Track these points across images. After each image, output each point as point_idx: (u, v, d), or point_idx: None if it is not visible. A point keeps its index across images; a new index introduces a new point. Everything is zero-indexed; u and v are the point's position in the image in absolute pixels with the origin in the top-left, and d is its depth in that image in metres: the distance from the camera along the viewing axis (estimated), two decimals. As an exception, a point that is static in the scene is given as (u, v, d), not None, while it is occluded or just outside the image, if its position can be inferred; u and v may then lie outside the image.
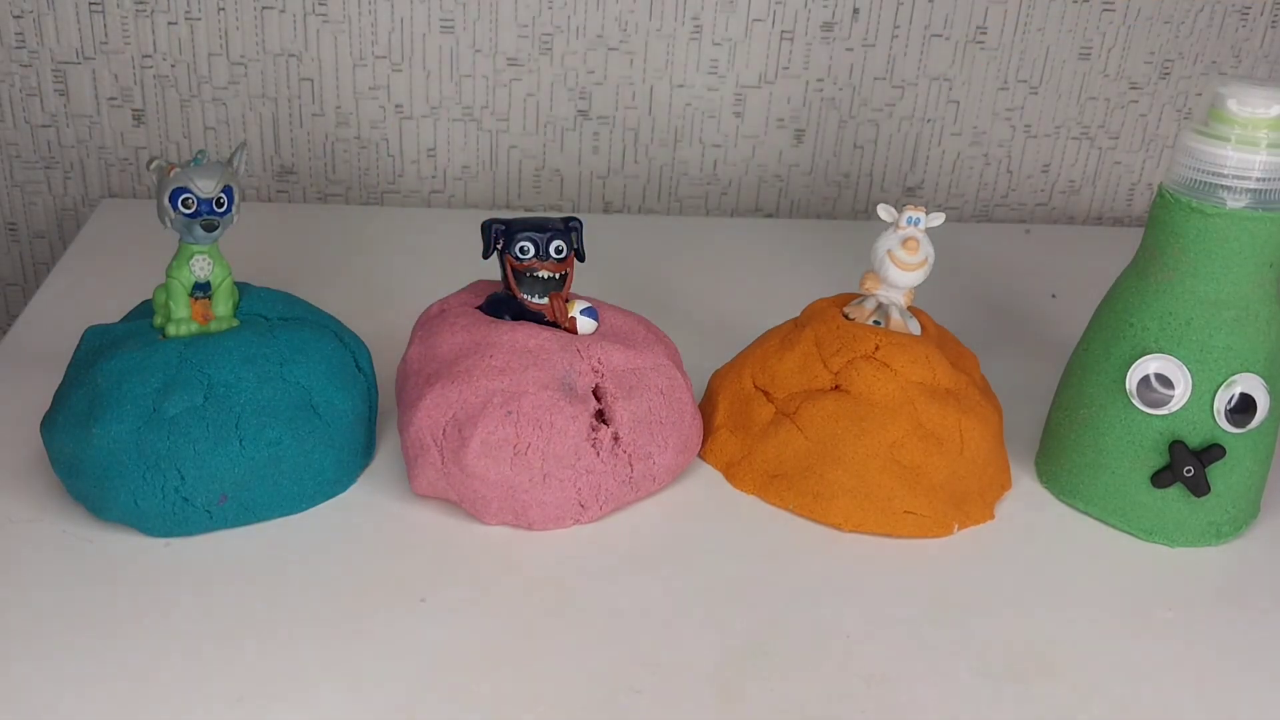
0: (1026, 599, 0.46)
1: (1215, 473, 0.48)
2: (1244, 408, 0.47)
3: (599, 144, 0.81)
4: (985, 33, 0.80)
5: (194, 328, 0.48)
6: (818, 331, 0.52)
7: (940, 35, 0.80)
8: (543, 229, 0.49)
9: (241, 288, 0.50)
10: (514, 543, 0.48)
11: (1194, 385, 0.47)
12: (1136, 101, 0.83)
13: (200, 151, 0.48)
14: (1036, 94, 0.82)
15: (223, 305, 0.49)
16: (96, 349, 0.48)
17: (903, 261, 0.50)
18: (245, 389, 0.47)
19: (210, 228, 0.47)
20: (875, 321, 0.52)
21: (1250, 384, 0.47)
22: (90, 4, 0.74)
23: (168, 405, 0.45)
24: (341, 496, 0.50)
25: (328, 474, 0.49)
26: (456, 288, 0.54)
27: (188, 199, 0.46)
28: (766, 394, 0.53)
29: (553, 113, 0.80)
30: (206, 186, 0.46)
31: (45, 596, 0.43)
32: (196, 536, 0.47)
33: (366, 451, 0.52)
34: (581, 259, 0.51)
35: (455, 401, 0.47)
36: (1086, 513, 0.51)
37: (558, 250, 0.49)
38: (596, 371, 0.49)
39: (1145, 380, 0.48)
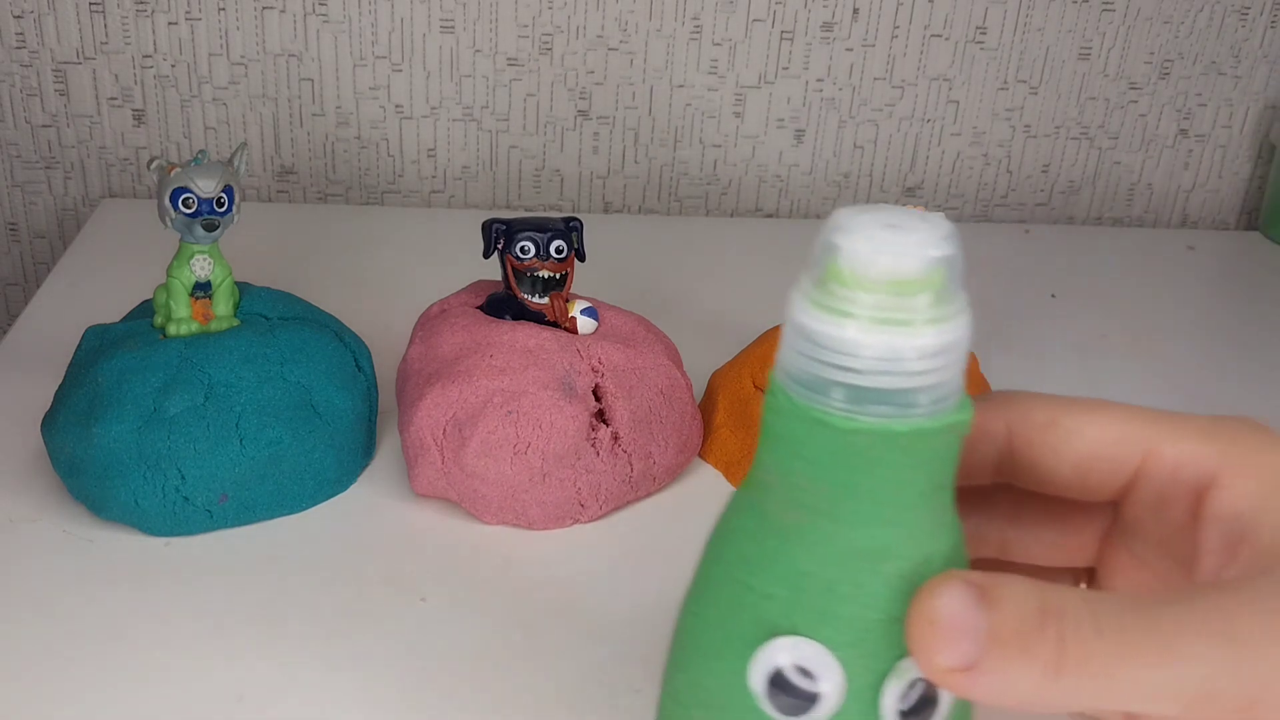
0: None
1: None
2: (921, 700, 0.31)
3: (599, 144, 0.81)
4: (985, 33, 0.80)
5: (194, 327, 0.48)
6: (817, 332, 0.52)
7: (940, 35, 0.80)
8: (543, 229, 0.49)
9: (242, 287, 0.50)
10: (514, 543, 0.48)
11: (849, 679, 0.30)
12: (1136, 102, 0.83)
13: (201, 151, 0.48)
14: (1036, 94, 0.82)
15: (223, 305, 0.49)
16: (97, 348, 0.48)
17: (902, 261, 0.50)
18: (246, 388, 0.47)
19: (211, 227, 0.47)
20: (875, 321, 0.52)
21: None
22: (91, 4, 0.74)
23: (168, 405, 0.45)
24: (341, 496, 0.50)
25: (328, 474, 0.49)
26: (457, 288, 0.54)
27: (188, 199, 0.46)
28: (766, 394, 0.52)
29: (553, 113, 0.80)
30: (207, 186, 0.46)
31: (45, 596, 0.43)
32: (197, 536, 0.47)
33: (367, 451, 0.52)
34: (582, 259, 0.51)
35: (455, 401, 0.47)
36: None
37: (558, 250, 0.49)
38: (596, 371, 0.49)
39: (778, 676, 0.30)
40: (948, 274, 0.28)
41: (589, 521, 0.49)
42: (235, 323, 0.49)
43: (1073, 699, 0.28)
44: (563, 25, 0.77)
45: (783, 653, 0.30)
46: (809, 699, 0.30)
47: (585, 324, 0.51)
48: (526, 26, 0.77)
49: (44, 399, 0.50)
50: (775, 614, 0.30)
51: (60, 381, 0.49)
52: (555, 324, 0.50)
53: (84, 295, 0.65)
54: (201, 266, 0.48)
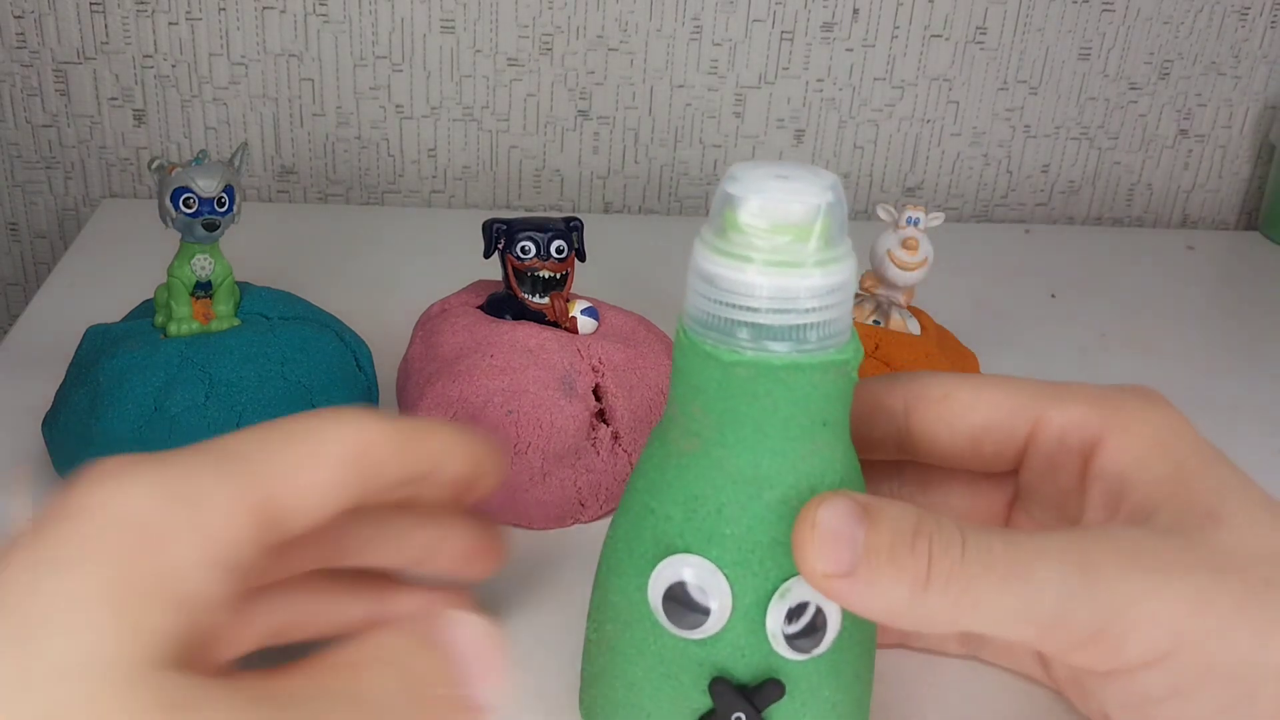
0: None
1: (781, 717, 0.33)
2: (808, 625, 0.32)
3: (599, 144, 0.81)
4: (985, 33, 0.80)
5: (195, 327, 0.48)
6: (817, 331, 0.52)
7: (940, 36, 0.80)
8: (544, 229, 0.49)
9: (242, 287, 0.50)
10: (514, 542, 0.48)
11: (736, 596, 0.32)
12: (1136, 102, 0.83)
13: (202, 151, 0.48)
14: (1036, 94, 0.82)
15: (224, 304, 0.49)
16: (98, 348, 0.48)
17: (902, 261, 0.51)
18: (246, 388, 0.47)
19: (211, 227, 0.47)
20: (875, 321, 0.52)
21: (812, 591, 0.32)
22: (91, 4, 0.74)
23: (169, 404, 0.45)
24: (342, 496, 0.50)
25: (328, 473, 0.49)
26: (457, 287, 0.54)
27: (189, 198, 0.46)
28: (766, 393, 0.53)
29: (553, 113, 0.80)
30: (208, 186, 0.46)
31: (47, 595, 0.43)
32: (197, 535, 0.47)
33: (367, 451, 0.52)
34: (582, 259, 0.51)
35: (455, 400, 0.47)
36: None
37: (559, 250, 0.49)
38: (596, 371, 0.49)
39: (671, 591, 0.32)
40: (832, 220, 0.30)
41: (589, 521, 0.49)
42: (236, 322, 0.49)
43: (939, 616, 0.30)
44: (563, 25, 0.77)
45: (676, 569, 0.32)
46: (700, 612, 0.32)
47: (585, 324, 0.51)
48: (527, 27, 0.77)
49: (45, 398, 0.50)
50: (672, 534, 0.33)
51: (61, 381, 0.49)
52: (555, 324, 0.50)
53: (84, 295, 0.65)
54: (202, 266, 0.48)
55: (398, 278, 0.69)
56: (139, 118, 0.78)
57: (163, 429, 0.45)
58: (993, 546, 0.29)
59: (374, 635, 0.27)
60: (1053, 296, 0.72)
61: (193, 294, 0.48)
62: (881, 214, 0.51)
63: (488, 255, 0.50)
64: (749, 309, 0.30)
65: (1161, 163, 0.86)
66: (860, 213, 0.85)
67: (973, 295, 0.71)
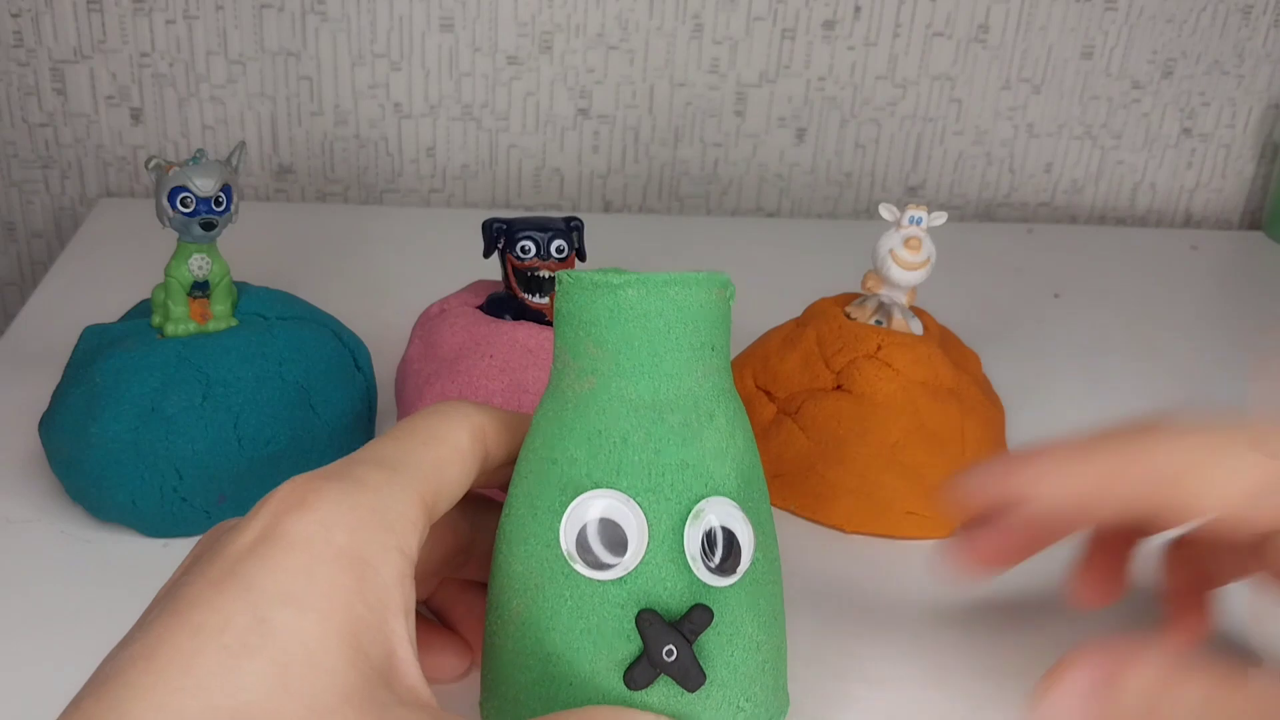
0: (1030, 600, 0.46)
1: (709, 649, 0.33)
2: (724, 547, 0.33)
3: (599, 143, 0.81)
4: (987, 31, 0.80)
5: (192, 327, 0.48)
6: (819, 331, 0.52)
7: (942, 34, 0.80)
8: (544, 228, 0.49)
9: (240, 287, 0.50)
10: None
11: (650, 523, 0.32)
12: (1139, 101, 0.83)
13: (199, 150, 0.47)
14: (1039, 93, 0.82)
15: (221, 304, 0.48)
16: (95, 348, 0.48)
17: (905, 261, 0.50)
18: (244, 388, 0.46)
19: (209, 226, 0.46)
20: (877, 321, 0.52)
21: (723, 511, 0.33)
22: (88, 3, 0.74)
23: (166, 404, 0.45)
24: (341, 497, 0.49)
25: (327, 474, 0.49)
26: (456, 287, 0.54)
27: (186, 198, 0.46)
28: (768, 394, 0.52)
29: (553, 111, 0.80)
30: (205, 185, 0.46)
31: (43, 597, 0.43)
32: (195, 537, 0.46)
33: (366, 452, 0.51)
34: (583, 259, 0.51)
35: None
36: None
37: (559, 250, 0.49)
38: (597, 371, 0.49)
39: (586, 531, 0.32)
40: None
41: (590, 522, 0.49)
42: (233, 322, 0.49)
43: None
44: (562, 23, 0.77)
45: (587, 506, 0.32)
46: (617, 545, 0.32)
47: (586, 324, 0.50)
48: (526, 25, 0.77)
49: (42, 399, 0.49)
50: (578, 475, 0.33)
51: (58, 381, 0.49)
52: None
53: (81, 295, 0.64)
54: (199, 266, 0.47)
55: (396, 277, 0.69)
56: (136, 116, 0.77)
57: (159, 429, 0.45)
58: None
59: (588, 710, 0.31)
60: (1056, 296, 0.72)
61: (190, 294, 0.48)
62: (884, 213, 0.51)
63: (487, 255, 0.50)
64: None
65: (1165, 162, 0.85)
66: (862, 212, 0.85)
67: (975, 295, 0.71)
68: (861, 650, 0.43)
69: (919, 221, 0.50)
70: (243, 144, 0.49)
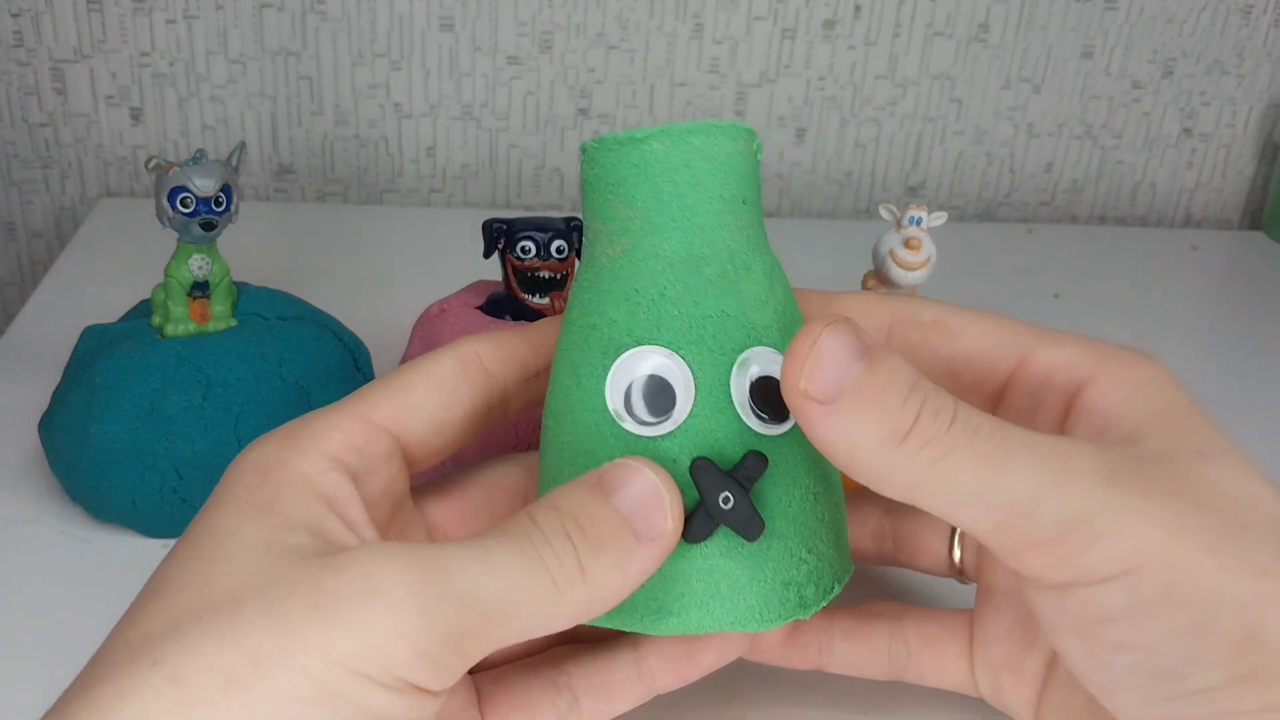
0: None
1: (767, 499, 0.32)
2: (774, 395, 0.32)
3: (599, 143, 0.81)
4: (988, 31, 0.80)
5: (192, 327, 0.48)
6: (820, 331, 0.52)
7: (942, 34, 0.79)
8: (544, 228, 0.49)
9: (240, 287, 0.50)
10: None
11: (696, 374, 0.32)
12: (1139, 101, 0.83)
13: (199, 150, 0.47)
14: (1039, 93, 0.82)
15: (221, 304, 0.48)
16: (94, 348, 0.48)
17: (905, 261, 0.50)
18: (243, 388, 0.46)
19: (209, 227, 0.46)
20: (878, 321, 0.52)
21: (768, 360, 0.32)
22: (88, 2, 0.74)
23: (166, 404, 0.45)
24: (341, 497, 0.49)
25: (327, 475, 0.49)
26: (456, 287, 0.54)
27: (186, 198, 0.46)
28: (768, 394, 0.52)
29: (553, 111, 0.80)
30: (205, 185, 0.46)
31: (42, 597, 0.43)
32: (194, 538, 0.46)
33: (366, 452, 0.51)
34: (582, 258, 0.51)
35: (455, 402, 0.47)
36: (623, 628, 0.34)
37: (559, 250, 0.49)
38: (597, 371, 0.49)
39: (633, 389, 0.32)
40: None
41: (590, 523, 0.49)
42: (233, 322, 0.49)
43: (901, 475, 0.29)
44: (563, 23, 0.77)
45: (632, 363, 0.32)
46: (666, 399, 0.32)
47: (586, 324, 0.50)
48: (526, 24, 0.77)
49: (41, 399, 0.49)
50: (618, 334, 0.32)
51: (58, 381, 0.49)
52: (556, 324, 0.50)
53: (81, 295, 0.64)
54: (199, 266, 0.47)
55: (396, 277, 0.69)
56: (136, 116, 0.77)
57: (159, 430, 0.45)
58: (981, 427, 0.29)
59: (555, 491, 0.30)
60: (1056, 296, 0.72)
61: (190, 294, 0.48)
62: (884, 213, 0.51)
63: (487, 255, 0.50)
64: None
65: (1165, 162, 0.85)
66: (863, 212, 0.84)
67: (975, 295, 0.71)
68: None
69: (919, 221, 0.50)
70: (243, 144, 0.49)
